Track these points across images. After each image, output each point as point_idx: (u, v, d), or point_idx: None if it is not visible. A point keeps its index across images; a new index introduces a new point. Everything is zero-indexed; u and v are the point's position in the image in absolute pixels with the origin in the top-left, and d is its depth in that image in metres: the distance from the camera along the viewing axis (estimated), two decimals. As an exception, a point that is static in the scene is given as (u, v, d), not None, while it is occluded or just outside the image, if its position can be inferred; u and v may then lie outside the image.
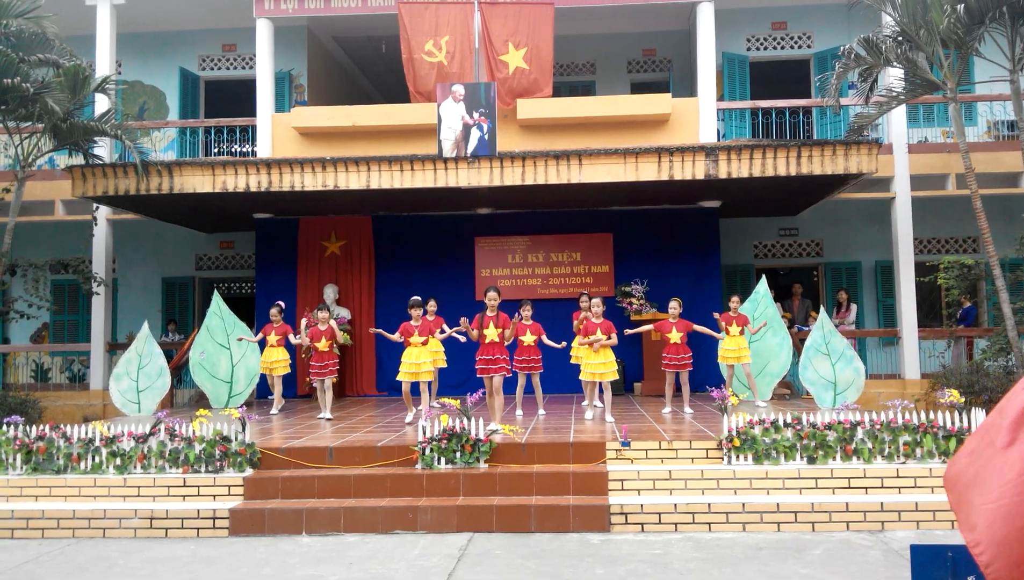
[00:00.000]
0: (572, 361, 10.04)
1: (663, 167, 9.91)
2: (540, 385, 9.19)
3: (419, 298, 8.84)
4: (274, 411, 9.88)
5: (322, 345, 9.23)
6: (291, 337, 10.00)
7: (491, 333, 7.63)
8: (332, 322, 9.38)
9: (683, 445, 6.71)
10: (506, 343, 7.70)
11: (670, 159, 9.89)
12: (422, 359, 8.45)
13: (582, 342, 8.56)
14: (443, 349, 9.71)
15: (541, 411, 9.14)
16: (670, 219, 12.20)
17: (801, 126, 12.08)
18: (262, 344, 10.27)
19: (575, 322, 9.55)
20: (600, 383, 8.45)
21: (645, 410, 9.26)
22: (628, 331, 8.90)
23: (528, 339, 8.86)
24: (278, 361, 10.07)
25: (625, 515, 6.11)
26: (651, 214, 12.26)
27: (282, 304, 10.40)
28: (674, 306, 9.01)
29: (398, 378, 8.62)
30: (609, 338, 8.22)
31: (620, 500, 6.22)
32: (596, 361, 8.28)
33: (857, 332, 12.05)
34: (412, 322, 8.60)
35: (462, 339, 8.69)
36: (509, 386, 9.14)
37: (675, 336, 8.91)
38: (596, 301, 8.55)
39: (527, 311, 8.84)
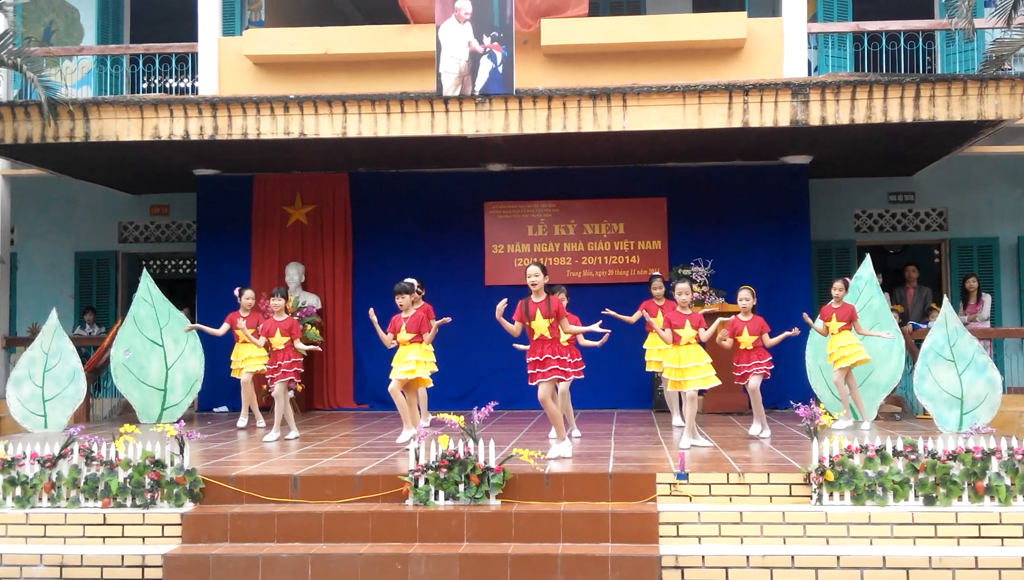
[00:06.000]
0: (648, 368, 10.03)
1: (735, 110, 9.84)
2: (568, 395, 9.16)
3: (413, 281, 8.83)
4: (262, 427, 10.25)
5: (276, 341, 9.30)
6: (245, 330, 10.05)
7: (540, 325, 7.59)
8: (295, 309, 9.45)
9: (759, 478, 6.68)
10: (561, 340, 7.67)
11: (745, 99, 9.81)
12: (411, 359, 8.45)
13: (660, 334, 8.46)
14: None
15: (575, 431, 9.14)
16: (743, 180, 12.14)
17: (920, 57, 11.94)
18: (230, 338, 10.45)
19: (641, 313, 9.43)
20: (681, 394, 8.36)
21: (709, 431, 9.24)
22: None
23: (562, 337, 8.82)
24: (244, 359, 10.32)
25: (681, 570, 6.09)
26: (718, 173, 12.20)
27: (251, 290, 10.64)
28: (745, 297, 8.91)
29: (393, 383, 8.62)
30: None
31: (675, 550, 6.21)
32: (687, 363, 8.13)
33: (993, 331, 11.97)
34: (403, 314, 8.63)
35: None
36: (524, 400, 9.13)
37: (746, 340, 8.85)
38: (683, 285, 8.33)
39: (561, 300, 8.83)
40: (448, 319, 8.66)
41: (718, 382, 8.25)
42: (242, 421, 10.33)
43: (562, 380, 7.77)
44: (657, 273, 10.52)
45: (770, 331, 8.89)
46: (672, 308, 8.65)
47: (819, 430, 6.76)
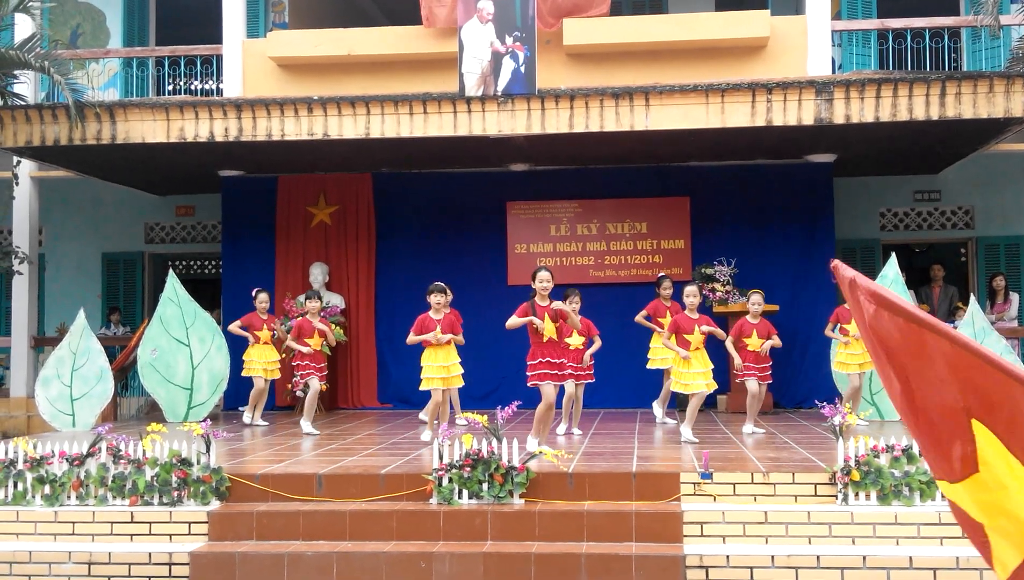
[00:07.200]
0: (649, 365, 10.09)
1: (758, 109, 9.79)
2: (581, 398, 9.30)
3: (442, 284, 8.84)
4: (261, 422, 10.41)
5: (314, 342, 9.57)
6: (277, 328, 10.24)
7: (551, 328, 7.60)
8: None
9: (784, 478, 6.66)
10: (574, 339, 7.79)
11: (768, 98, 9.76)
12: (452, 361, 8.60)
13: (667, 344, 8.54)
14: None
15: (575, 430, 9.21)
16: (767, 179, 12.08)
17: (946, 54, 11.84)
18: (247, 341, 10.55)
19: (648, 313, 9.59)
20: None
21: (731, 431, 9.22)
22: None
23: (575, 342, 8.84)
24: (272, 362, 10.47)
25: (706, 569, 6.08)
26: (741, 172, 12.14)
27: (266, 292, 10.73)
28: (756, 301, 8.99)
29: (422, 387, 8.67)
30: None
31: (699, 549, 6.20)
32: (697, 369, 8.26)
33: (1020, 330, 11.84)
34: (432, 314, 8.64)
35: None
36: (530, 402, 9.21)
37: (754, 342, 8.85)
38: (691, 288, 8.51)
39: (574, 303, 8.82)
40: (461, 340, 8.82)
41: (715, 386, 8.45)
42: (259, 419, 10.42)
43: (565, 379, 7.83)
44: (664, 274, 10.51)
45: (777, 333, 8.97)
46: (679, 310, 8.74)
47: (844, 430, 6.73)
